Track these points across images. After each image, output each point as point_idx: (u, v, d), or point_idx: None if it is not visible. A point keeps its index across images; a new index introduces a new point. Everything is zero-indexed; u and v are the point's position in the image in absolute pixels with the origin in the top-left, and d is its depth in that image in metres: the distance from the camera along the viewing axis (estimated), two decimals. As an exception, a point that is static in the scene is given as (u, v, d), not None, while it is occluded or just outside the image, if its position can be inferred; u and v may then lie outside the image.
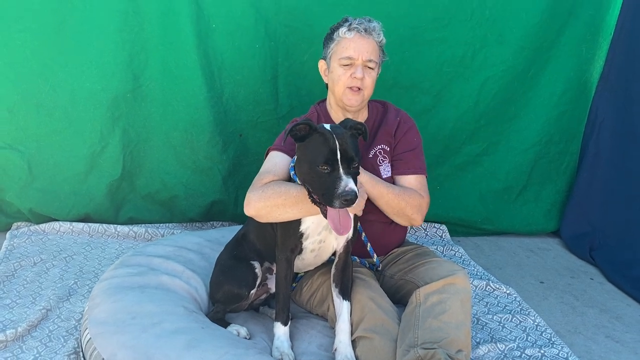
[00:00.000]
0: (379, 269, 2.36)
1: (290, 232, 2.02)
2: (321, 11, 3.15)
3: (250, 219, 2.13)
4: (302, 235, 2.02)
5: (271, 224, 2.08)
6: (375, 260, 2.31)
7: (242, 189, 3.10)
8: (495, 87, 3.52)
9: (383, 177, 2.31)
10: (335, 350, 1.98)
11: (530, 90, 3.60)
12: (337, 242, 2.07)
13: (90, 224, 3.28)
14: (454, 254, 3.35)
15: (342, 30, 2.26)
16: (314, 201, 1.88)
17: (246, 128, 3.36)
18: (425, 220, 2.94)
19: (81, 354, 2.00)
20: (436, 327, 1.86)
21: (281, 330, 2.03)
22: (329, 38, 2.34)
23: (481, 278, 3.01)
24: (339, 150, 1.77)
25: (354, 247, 2.13)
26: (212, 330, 1.98)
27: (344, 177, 1.74)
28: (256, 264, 2.18)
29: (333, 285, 2.11)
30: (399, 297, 2.23)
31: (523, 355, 2.31)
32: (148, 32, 3.10)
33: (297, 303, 2.39)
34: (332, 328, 2.12)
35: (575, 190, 3.76)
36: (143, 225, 3.36)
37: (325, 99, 2.49)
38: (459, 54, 3.42)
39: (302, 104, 3.22)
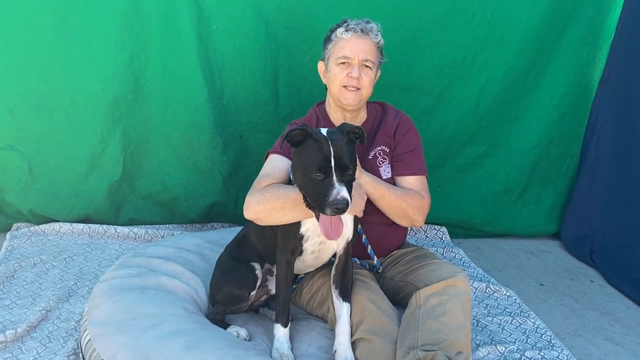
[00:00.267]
0: (379, 271, 2.36)
1: (291, 234, 2.02)
2: (322, 13, 3.15)
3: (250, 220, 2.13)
4: (302, 237, 2.02)
5: (271, 225, 2.08)
6: (375, 262, 2.31)
7: (243, 190, 3.10)
8: (496, 89, 3.52)
9: (383, 178, 2.31)
10: (335, 351, 1.98)
11: (531, 92, 3.60)
12: (337, 244, 2.07)
13: (90, 225, 3.28)
14: (454, 256, 3.35)
15: (340, 30, 2.27)
16: (308, 205, 1.88)
17: (246, 129, 3.36)
18: (425, 222, 2.92)
19: (81, 355, 2.00)
20: (436, 329, 1.86)
21: (281, 332, 2.03)
22: (327, 39, 2.35)
23: (481, 280, 3.00)
24: (333, 158, 1.77)
25: (354, 248, 2.13)
26: (212, 332, 1.98)
27: (336, 185, 1.74)
28: (256, 266, 2.18)
29: (333, 287, 2.11)
30: (399, 299, 2.23)
31: (523, 357, 2.31)
32: (149, 33, 3.10)
33: (297, 305, 2.39)
34: (332, 330, 2.11)
35: (575, 193, 3.76)
36: (143, 226, 3.36)
37: (325, 101, 2.49)
38: (460, 55, 3.43)
39: (303, 106, 3.21)
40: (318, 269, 2.27)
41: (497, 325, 2.56)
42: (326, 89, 2.41)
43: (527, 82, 3.57)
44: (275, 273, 2.14)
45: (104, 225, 3.29)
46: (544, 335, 2.50)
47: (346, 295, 2.06)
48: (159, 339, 1.84)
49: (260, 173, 2.20)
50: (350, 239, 2.06)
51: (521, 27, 3.42)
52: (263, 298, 2.32)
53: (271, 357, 1.98)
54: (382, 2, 3.23)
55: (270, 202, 1.99)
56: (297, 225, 2.01)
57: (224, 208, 3.46)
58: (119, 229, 3.28)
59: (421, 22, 3.32)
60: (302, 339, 2.14)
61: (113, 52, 3.08)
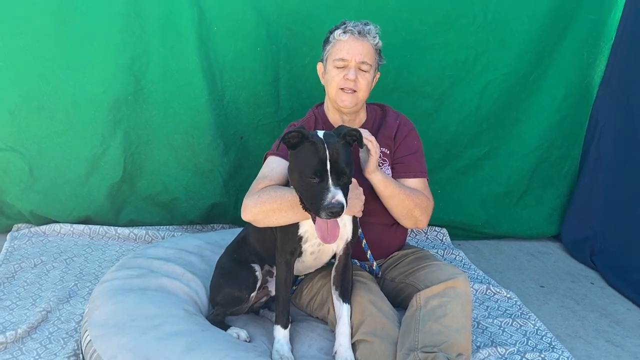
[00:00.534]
0: (379, 275, 2.36)
1: (290, 236, 2.01)
2: (323, 14, 3.16)
3: (250, 221, 2.13)
4: (301, 238, 2.02)
5: (271, 227, 2.08)
6: (375, 267, 2.31)
7: (243, 192, 3.07)
8: (497, 91, 3.52)
9: (384, 180, 2.31)
10: (335, 353, 1.98)
11: (532, 94, 3.60)
12: (336, 245, 2.06)
13: (90, 226, 3.28)
14: (455, 258, 3.35)
15: (338, 32, 2.28)
16: (304, 208, 1.88)
17: (247, 130, 3.36)
18: (426, 224, 2.95)
19: (81, 356, 2.00)
20: (436, 331, 1.86)
21: (281, 333, 2.03)
22: (326, 41, 2.36)
23: (482, 282, 3.00)
24: (329, 161, 1.76)
25: (354, 250, 2.13)
26: (212, 333, 1.98)
27: (332, 188, 1.74)
28: (256, 267, 2.18)
29: (333, 288, 2.11)
30: (400, 301, 2.23)
31: (523, 359, 2.30)
32: (150, 35, 3.10)
33: (297, 306, 2.39)
34: (332, 331, 2.11)
35: (576, 195, 3.76)
36: (143, 227, 3.36)
37: (324, 102, 2.50)
38: (461, 58, 3.43)
39: (303, 107, 3.21)
40: (318, 271, 2.27)
41: (498, 327, 2.55)
42: (325, 90, 2.42)
43: (528, 85, 3.57)
44: (275, 274, 2.14)
45: (104, 227, 3.29)
46: (544, 337, 2.50)
47: (346, 297, 2.06)
48: (159, 340, 1.85)
49: (258, 175, 2.20)
50: (349, 239, 2.06)
51: (522, 30, 3.42)
52: (263, 299, 2.32)
53: (271, 359, 1.98)
54: (383, 4, 3.23)
55: (267, 204, 1.99)
56: (296, 226, 2.00)
57: (225, 209, 3.46)
58: (120, 230, 3.28)
59: (422, 24, 3.32)
60: (302, 340, 2.14)
61: (114, 53, 3.08)
